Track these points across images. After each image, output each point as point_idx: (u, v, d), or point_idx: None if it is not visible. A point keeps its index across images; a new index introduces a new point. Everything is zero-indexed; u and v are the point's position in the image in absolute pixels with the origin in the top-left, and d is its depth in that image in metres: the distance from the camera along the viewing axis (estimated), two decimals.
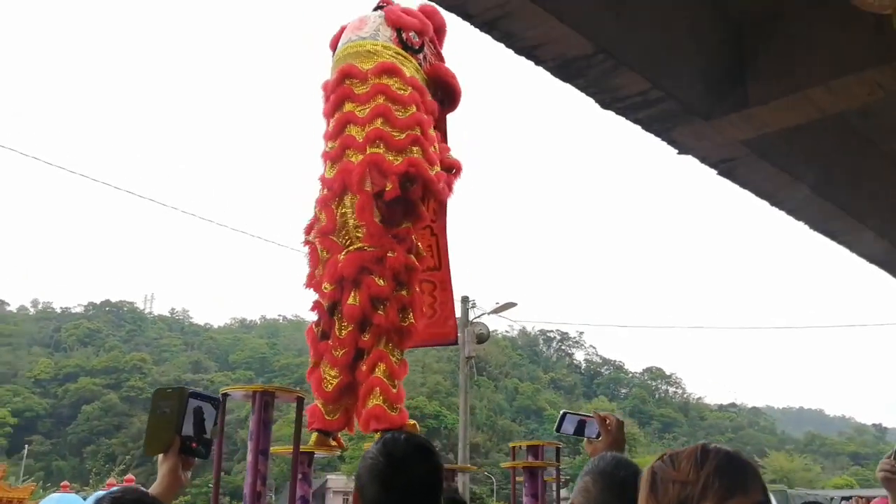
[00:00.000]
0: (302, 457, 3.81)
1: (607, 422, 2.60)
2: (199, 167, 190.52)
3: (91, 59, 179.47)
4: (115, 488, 1.70)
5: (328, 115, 4.81)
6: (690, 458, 1.35)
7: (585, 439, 2.65)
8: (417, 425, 4.49)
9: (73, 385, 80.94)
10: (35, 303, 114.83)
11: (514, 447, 5.01)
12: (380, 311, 4.28)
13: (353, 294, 4.32)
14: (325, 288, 4.45)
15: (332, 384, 4.30)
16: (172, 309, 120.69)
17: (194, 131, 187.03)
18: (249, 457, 3.17)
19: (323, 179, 4.73)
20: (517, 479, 4.64)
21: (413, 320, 4.47)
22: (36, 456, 67.32)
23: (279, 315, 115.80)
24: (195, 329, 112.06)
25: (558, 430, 2.73)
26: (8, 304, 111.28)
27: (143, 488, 1.72)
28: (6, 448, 68.57)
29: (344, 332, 4.34)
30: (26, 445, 63.01)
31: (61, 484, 22.37)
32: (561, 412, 2.73)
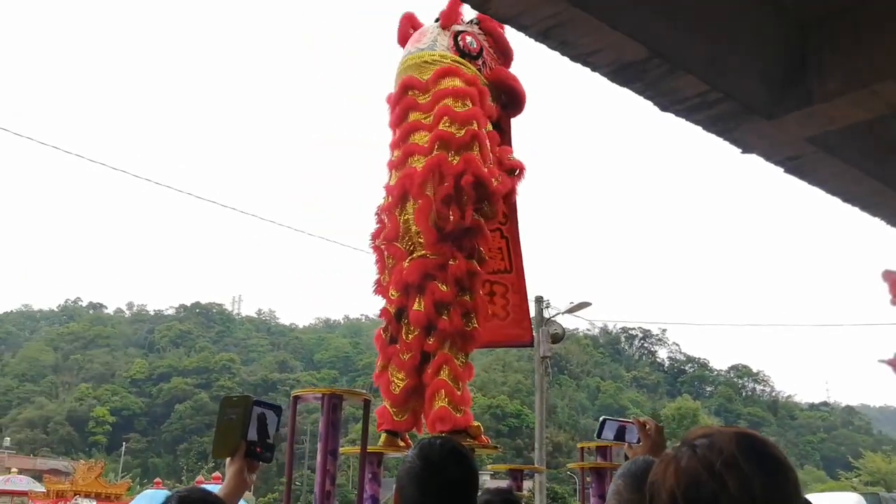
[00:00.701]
0: (371, 457, 3.95)
1: (647, 427, 2.61)
2: (278, 176, 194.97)
3: (122, 68, 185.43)
4: (182, 488, 1.84)
5: (394, 125, 4.97)
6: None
7: (626, 445, 2.67)
8: (481, 427, 4.59)
9: (166, 385, 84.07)
10: (130, 305, 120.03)
11: (582, 448, 5.05)
12: (444, 317, 4.40)
13: (418, 300, 4.46)
14: (392, 295, 4.61)
15: (399, 387, 4.44)
16: (259, 310, 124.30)
17: (261, 140, 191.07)
18: (319, 457, 3.31)
19: (386, 188, 4.89)
20: (587, 479, 4.68)
21: (476, 324, 4.57)
22: (133, 453, 70.21)
23: (362, 315, 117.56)
24: (281, 329, 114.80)
25: (598, 436, 2.76)
26: (106, 307, 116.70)
27: (208, 488, 1.86)
28: (106, 445, 71.80)
29: (411, 337, 4.48)
30: (124, 443, 65.77)
31: (155, 481, 23.29)
32: (601, 419, 2.77)
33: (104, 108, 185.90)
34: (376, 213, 5.01)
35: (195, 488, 1.86)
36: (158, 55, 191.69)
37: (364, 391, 3.87)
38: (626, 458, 4.84)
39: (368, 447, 3.82)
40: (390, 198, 4.83)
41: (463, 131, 4.64)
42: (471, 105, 4.75)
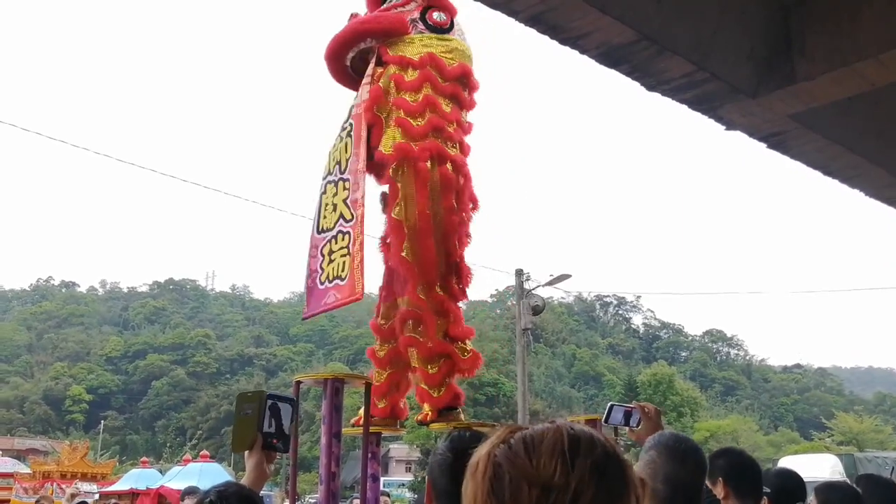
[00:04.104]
0: (371, 437, 4.03)
1: (646, 410, 2.85)
2: (252, 153, 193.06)
3: (117, 54, 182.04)
4: (219, 483, 1.89)
5: (470, 107, 5.23)
6: (555, 452, 0.96)
7: (628, 428, 2.84)
8: None
9: (142, 362, 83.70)
10: (103, 283, 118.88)
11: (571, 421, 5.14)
12: None
13: None
14: None
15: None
16: (233, 285, 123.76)
17: (245, 122, 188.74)
18: (323, 439, 3.38)
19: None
20: None
21: None
22: (111, 431, 69.96)
23: None
24: (256, 304, 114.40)
25: (606, 420, 2.90)
26: (78, 286, 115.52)
27: (239, 482, 1.92)
28: (83, 423, 71.51)
29: None
30: (102, 421, 65.49)
31: (141, 460, 23.27)
32: (609, 405, 2.91)
33: (90, 94, 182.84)
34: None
35: (230, 483, 1.93)
36: (157, 47, 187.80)
37: (364, 374, 3.93)
38: (616, 428, 4.95)
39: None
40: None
41: None
42: None
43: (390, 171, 4.80)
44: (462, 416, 4.44)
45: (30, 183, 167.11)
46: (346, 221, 4.81)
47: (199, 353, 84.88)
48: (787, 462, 21.92)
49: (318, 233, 5.07)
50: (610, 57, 3.45)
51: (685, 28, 3.47)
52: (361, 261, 4.57)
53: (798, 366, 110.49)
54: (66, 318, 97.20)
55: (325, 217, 5.05)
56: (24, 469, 23.45)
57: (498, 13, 3.20)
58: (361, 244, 4.62)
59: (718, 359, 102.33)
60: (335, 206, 4.96)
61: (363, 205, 4.80)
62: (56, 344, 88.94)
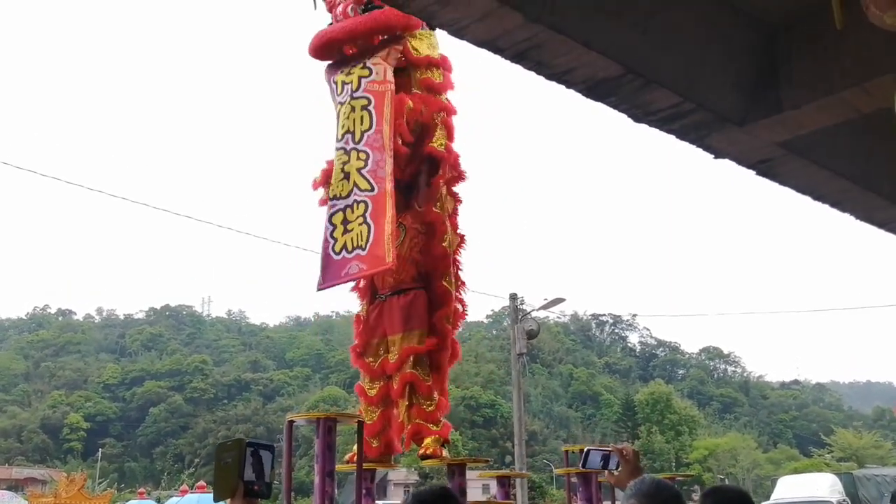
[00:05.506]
0: (364, 473, 4.00)
1: (624, 452, 2.73)
2: (245, 182, 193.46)
3: (108, 87, 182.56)
4: None
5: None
6: None
7: (607, 472, 2.77)
8: None
9: (139, 389, 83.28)
10: (100, 311, 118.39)
11: (566, 451, 5.13)
12: None
13: None
14: None
15: None
16: (229, 310, 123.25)
17: (235, 151, 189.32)
18: (316, 479, 3.35)
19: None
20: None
21: None
22: (109, 458, 69.41)
23: (332, 312, 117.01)
24: (252, 329, 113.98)
25: (584, 465, 2.87)
26: (75, 313, 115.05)
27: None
28: (81, 451, 70.92)
29: None
30: (100, 449, 65.01)
31: (138, 491, 23.02)
32: (585, 449, 2.88)
33: (83, 129, 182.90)
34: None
35: None
36: (144, 78, 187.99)
37: (356, 413, 3.92)
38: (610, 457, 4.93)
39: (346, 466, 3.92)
40: None
41: None
42: None
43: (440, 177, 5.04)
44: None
45: (25, 212, 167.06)
46: (362, 191, 4.79)
47: (196, 379, 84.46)
48: (786, 481, 21.69)
49: (330, 199, 5.10)
50: (596, 91, 3.47)
51: (671, 59, 3.49)
52: (393, 233, 4.55)
53: (796, 381, 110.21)
54: (62, 346, 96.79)
55: (334, 185, 5.06)
56: (21, 503, 23.21)
57: (483, 50, 3.22)
58: (393, 218, 4.62)
59: (716, 376, 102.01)
60: (347, 174, 4.92)
61: (393, 181, 4.79)
62: (53, 372, 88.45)
